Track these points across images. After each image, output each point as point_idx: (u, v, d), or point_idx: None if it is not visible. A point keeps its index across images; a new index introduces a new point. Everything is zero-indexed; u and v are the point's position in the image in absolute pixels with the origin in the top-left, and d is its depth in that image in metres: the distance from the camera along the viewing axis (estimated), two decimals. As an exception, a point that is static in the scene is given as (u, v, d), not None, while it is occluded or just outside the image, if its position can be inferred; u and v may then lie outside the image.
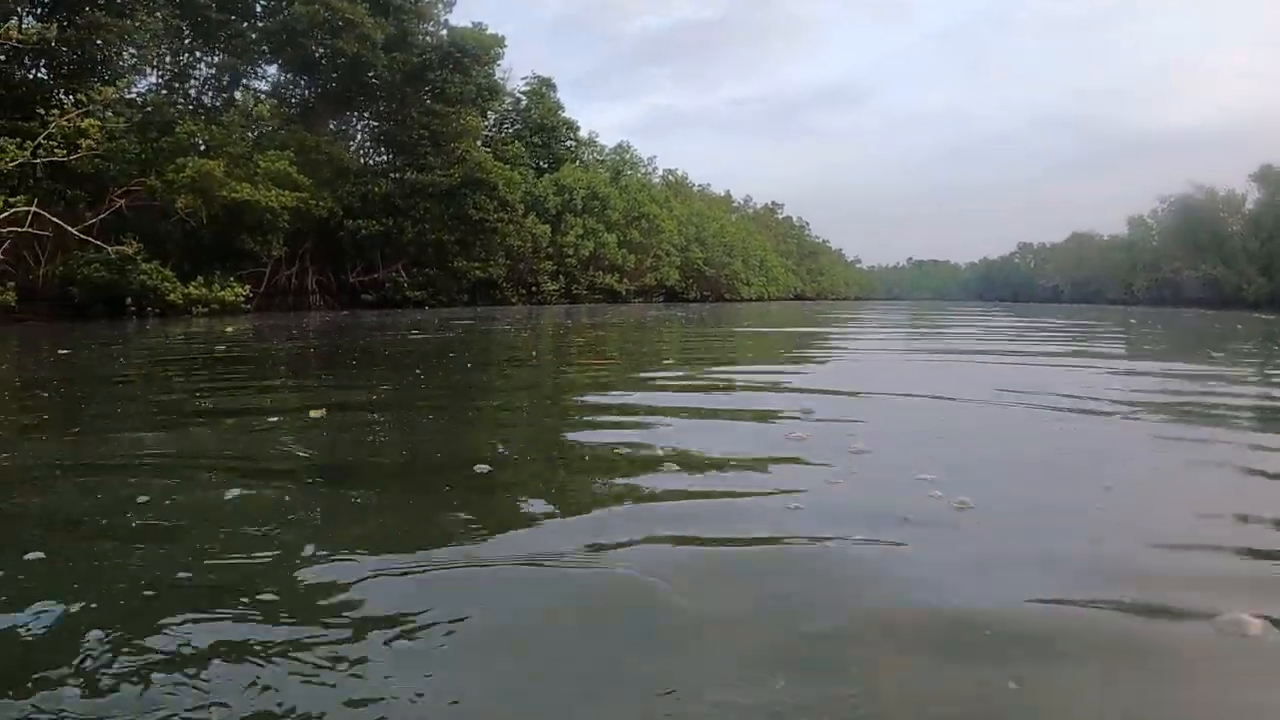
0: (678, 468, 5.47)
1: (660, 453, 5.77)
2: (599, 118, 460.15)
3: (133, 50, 44.82)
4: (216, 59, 55.90)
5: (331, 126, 59.78)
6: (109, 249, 38.88)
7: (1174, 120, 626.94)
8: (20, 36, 35.59)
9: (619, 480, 5.33)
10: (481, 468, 5.37)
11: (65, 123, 35.48)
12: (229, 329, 27.53)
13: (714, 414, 8.34)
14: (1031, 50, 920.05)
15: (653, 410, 8.27)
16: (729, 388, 10.20)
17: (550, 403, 9.75)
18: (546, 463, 5.82)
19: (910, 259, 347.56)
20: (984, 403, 9.05)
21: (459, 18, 64.15)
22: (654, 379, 11.93)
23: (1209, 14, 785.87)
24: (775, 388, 10.53)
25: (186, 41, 53.40)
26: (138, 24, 42.57)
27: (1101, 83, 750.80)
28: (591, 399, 9.64)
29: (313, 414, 6.96)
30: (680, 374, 12.48)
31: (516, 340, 22.19)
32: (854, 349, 18.66)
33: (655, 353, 16.74)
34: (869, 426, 7.26)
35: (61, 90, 42.91)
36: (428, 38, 61.04)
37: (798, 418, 7.57)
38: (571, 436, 6.72)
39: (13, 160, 33.90)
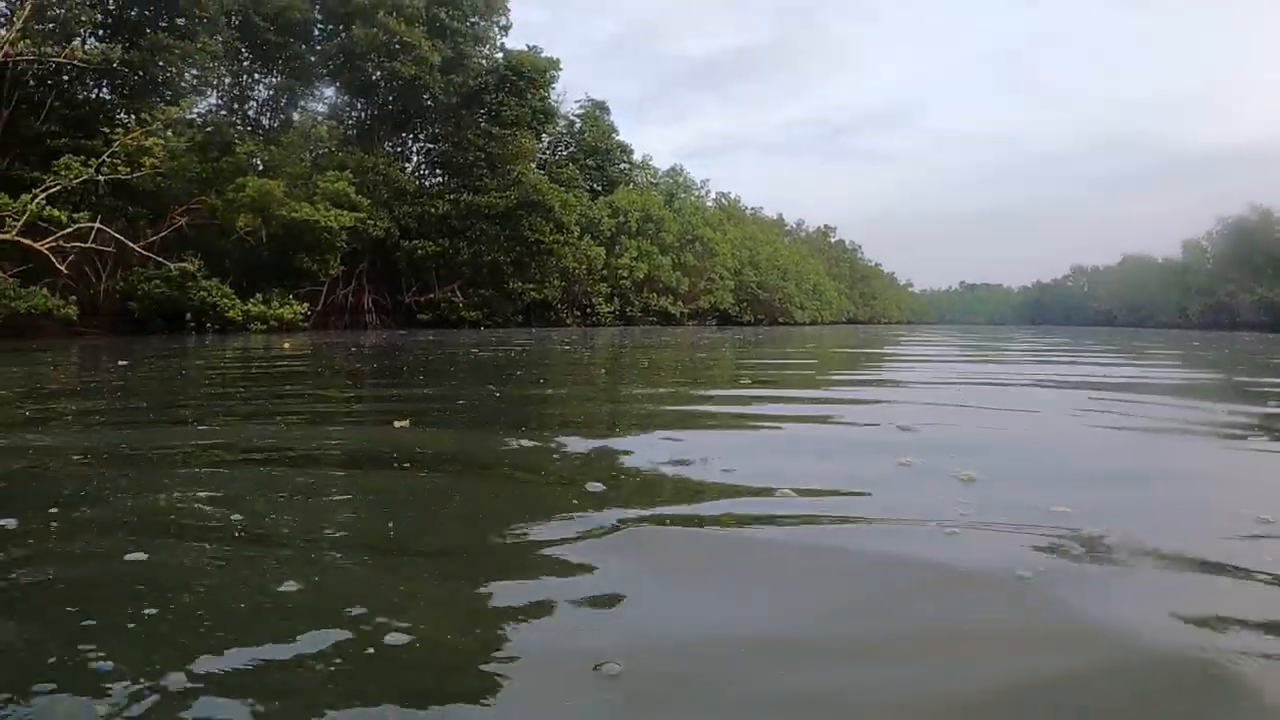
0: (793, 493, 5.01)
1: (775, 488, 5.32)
2: (649, 141, 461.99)
3: (194, 71, 45.45)
4: (274, 80, 56.59)
5: (387, 148, 60.21)
6: (171, 265, 39.46)
7: (1229, 137, 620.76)
8: (85, 57, 36.16)
9: (740, 507, 4.82)
10: (595, 486, 5.21)
11: (129, 141, 35.99)
12: (287, 345, 27.75)
13: (815, 438, 7.77)
14: (1081, 68, 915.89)
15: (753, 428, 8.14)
16: (819, 416, 9.37)
17: (638, 424, 8.98)
18: (646, 486, 5.51)
19: (962, 282, 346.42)
20: (1080, 424, 8.78)
21: (513, 41, 64.42)
22: (737, 399, 11.36)
23: (1263, 28, 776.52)
24: (867, 409, 10.04)
25: (245, 63, 54.15)
26: (200, 46, 43.16)
27: (1153, 99, 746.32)
28: (675, 420, 9.10)
29: (397, 424, 6.96)
30: (761, 395, 11.90)
31: (582, 357, 22.05)
32: (926, 372, 18.00)
33: (731, 375, 16.18)
34: (977, 452, 6.67)
35: (123, 110, 43.67)
36: (484, 61, 61.46)
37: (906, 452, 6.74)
38: (670, 457, 6.37)
39: (77, 177, 34.48)
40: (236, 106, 56.32)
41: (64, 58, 36.05)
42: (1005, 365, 20.06)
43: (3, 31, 35.74)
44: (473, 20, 59.86)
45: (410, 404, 9.13)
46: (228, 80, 53.33)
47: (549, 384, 13.98)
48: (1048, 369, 18.10)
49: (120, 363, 17.70)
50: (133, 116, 41.37)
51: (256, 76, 56.69)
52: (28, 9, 34.42)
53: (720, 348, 30.06)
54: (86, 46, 38.18)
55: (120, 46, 37.96)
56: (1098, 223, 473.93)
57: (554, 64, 63.39)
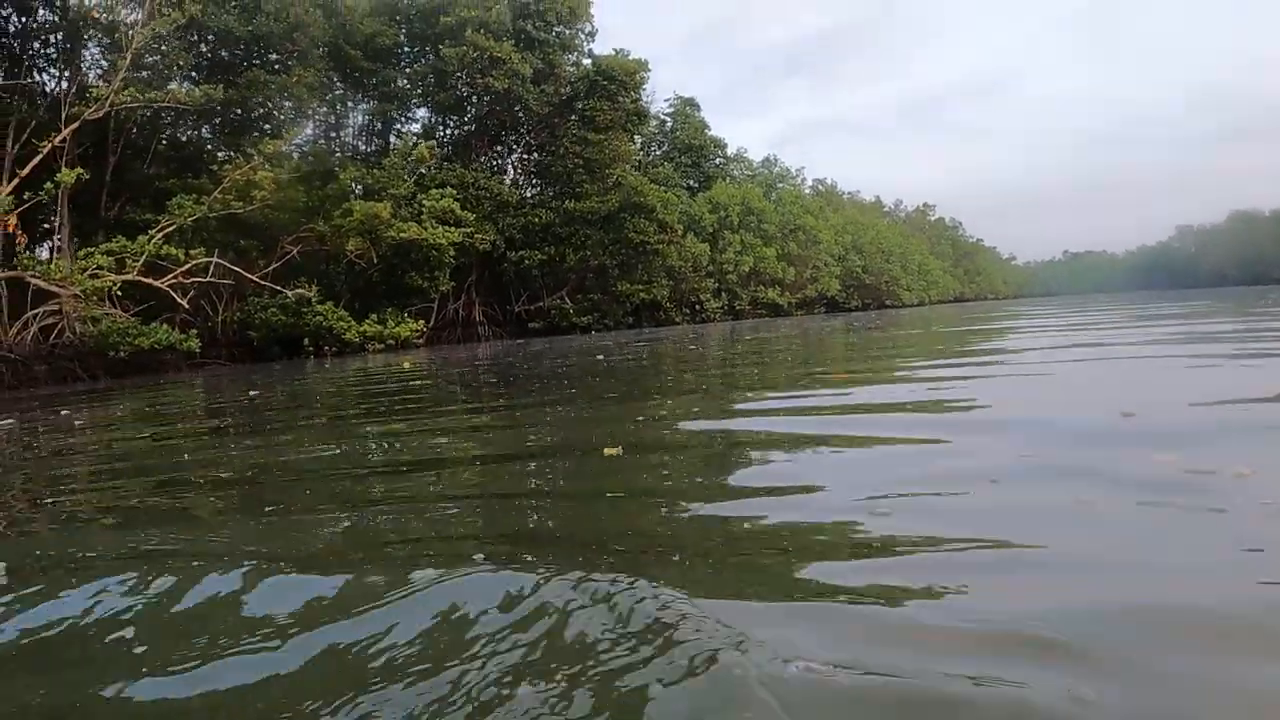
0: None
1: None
2: (740, 133, 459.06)
3: (289, 104, 46.11)
4: (367, 105, 57.30)
5: (483, 162, 60.62)
6: (288, 292, 40.21)
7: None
8: (187, 99, 36.90)
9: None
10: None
11: (239, 176, 36.75)
12: (407, 364, 27.94)
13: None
14: (1175, 22, 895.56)
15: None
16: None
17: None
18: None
19: (1065, 251, 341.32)
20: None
21: (598, 46, 64.64)
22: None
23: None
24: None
25: (339, 92, 54.88)
26: (295, 79, 43.76)
27: (1251, 49, 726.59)
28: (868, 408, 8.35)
29: (608, 452, 6.37)
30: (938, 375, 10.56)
31: (724, 355, 21.70)
32: (1085, 350, 15.00)
33: (887, 365, 14.30)
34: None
35: (224, 147, 44.63)
36: (573, 68, 61.72)
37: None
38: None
39: (191, 215, 35.27)
40: (333, 134, 57.20)
41: (168, 101, 36.75)
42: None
43: (101, 83, 36.56)
44: (558, 30, 60.22)
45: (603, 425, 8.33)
46: (322, 109, 54.04)
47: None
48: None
49: (250, 392, 17.87)
50: (233, 153, 42.35)
51: (349, 104, 57.44)
52: (129, 58, 35.08)
53: (858, 335, 29.70)
54: (185, 89, 38.87)
55: (221, 86, 38.55)
56: (1201, 181, 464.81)
57: (642, 65, 63.39)
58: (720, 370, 14.90)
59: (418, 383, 17.45)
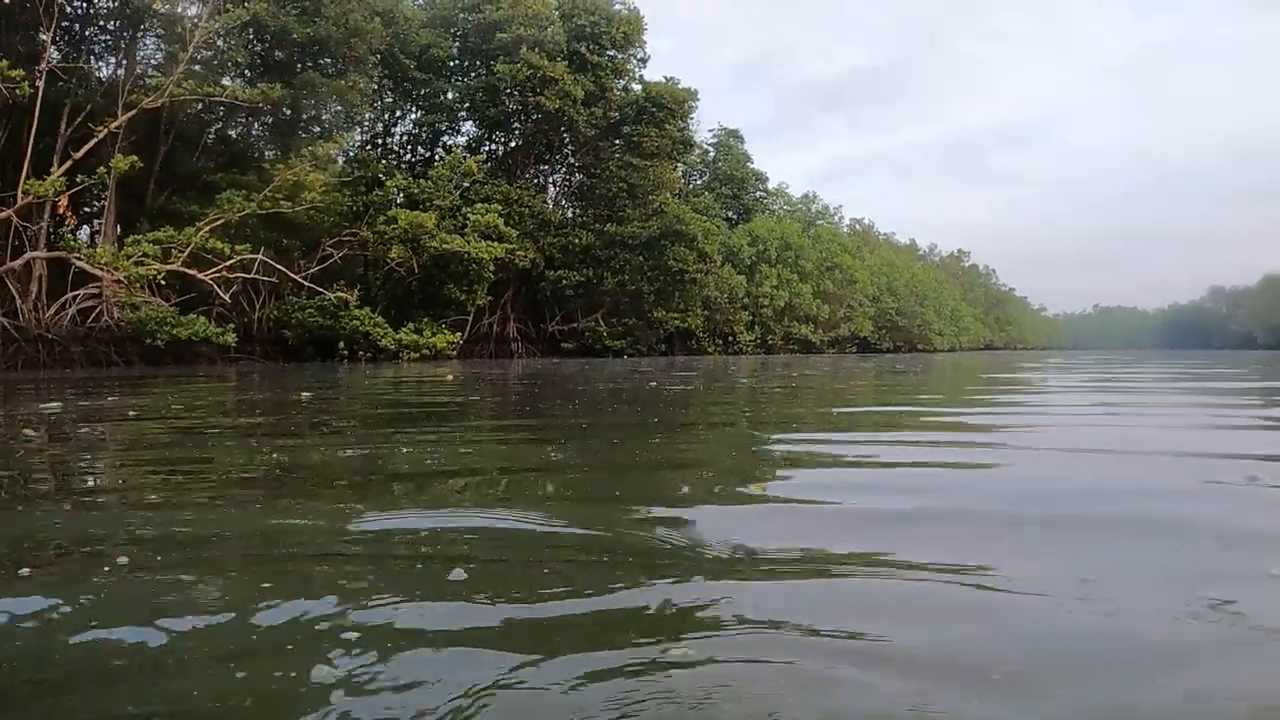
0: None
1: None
2: (779, 166, 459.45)
3: (338, 108, 46.11)
4: (415, 116, 57.42)
5: (526, 179, 60.60)
6: (330, 294, 40.28)
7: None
8: (246, 96, 36.95)
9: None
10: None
11: (290, 176, 36.81)
12: (449, 376, 27.86)
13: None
14: (1219, 78, 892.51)
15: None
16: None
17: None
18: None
19: (1096, 305, 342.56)
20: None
21: (648, 72, 64.54)
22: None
23: None
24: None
25: (389, 100, 54.97)
26: (350, 84, 43.80)
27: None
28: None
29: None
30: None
31: (785, 388, 21.37)
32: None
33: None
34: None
35: (274, 147, 44.73)
36: (622, 93, 61.70)
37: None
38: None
39: (240, 210, 35.31)
40: (380, 142, 57.28)
41: (225, 97, 36.90)
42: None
43: (158, 73, 36.74)
44: (610, 54, 60.15)
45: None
46: (370, 116, 54.11)
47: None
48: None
49: (304, 394, 17.73)
50: (280, 153, 42.54)
51: (398, 113, 57.57)
52: (190, 51, 35.20)
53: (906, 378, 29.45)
54: (239, 85, 38.92)
55: (278, 86, 38.57)
56: (1236, 240, 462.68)
57: (692, 95, 63.34)
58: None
59: (475, 397, 17.32)
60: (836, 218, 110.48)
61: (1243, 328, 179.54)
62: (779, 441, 9.00)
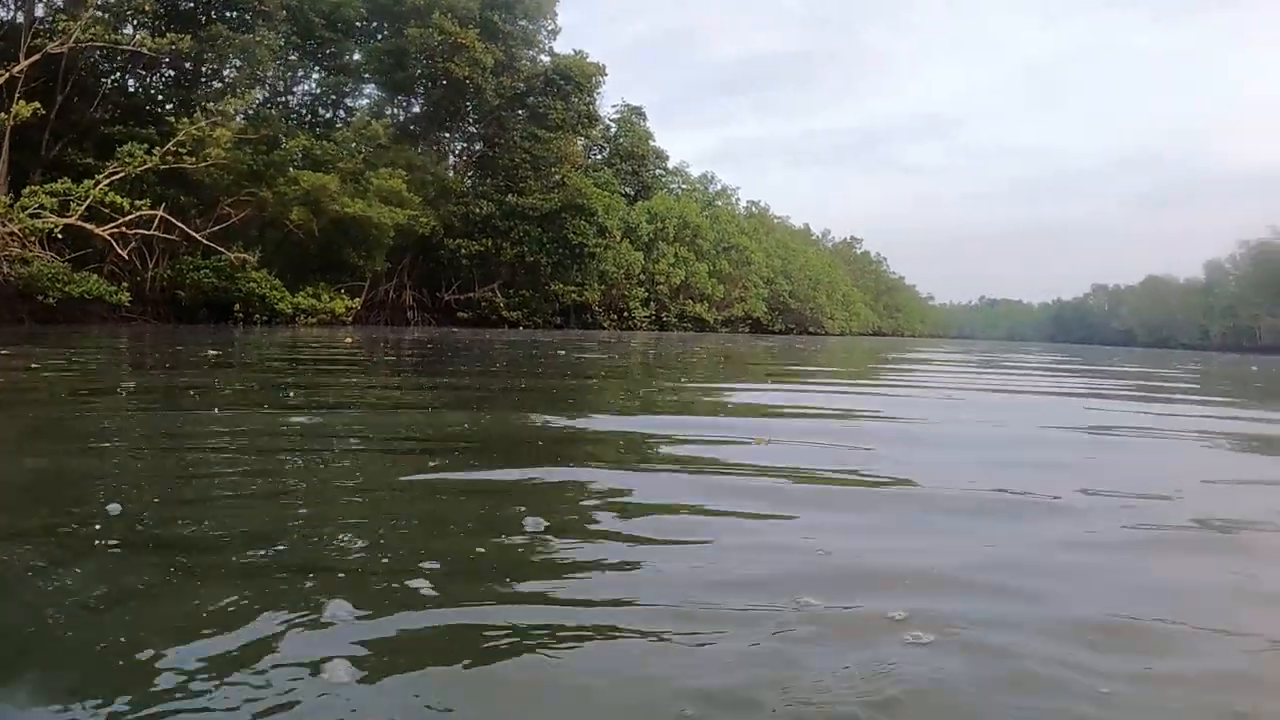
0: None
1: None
2: (675, 145, 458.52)
3: (238, 63, 45.23)
4: (320, 75, 56.56)
5: (427, 146, 60.02)
6: (232, 255, 39.53)
7: (1261, 160, 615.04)
8: (154, 46, 36.12)
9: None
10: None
11: (195, 131, 35.96)
12: (349, 339, 27.62)
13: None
14: (1118, 86, 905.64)
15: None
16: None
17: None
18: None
19: (982, 297, 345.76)
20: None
21: (557, 44, 64.34)
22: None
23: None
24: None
25: (293, 58, 54.02)
26: (258, 39, 43.04)
27: (1187, 119, 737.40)
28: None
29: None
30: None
31: (692, 359, 21.85)
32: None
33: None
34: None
35: (173, 100, 43.80)
36: (531, 64, 61.35)
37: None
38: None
39: (141, 164, 34.44)
40: (281, 101, 56.33)
41: (132, 45, 36.10)
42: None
43: (66, 20, 35.73)
44: (522, 23, 59.85)
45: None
46: (271, 74, 53.17)
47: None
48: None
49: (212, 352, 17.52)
50: (180, 107, 41.63)
51: (301, 73, 56.67)
52: (90, -1, 34.38)
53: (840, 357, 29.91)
54: (143, 35, 38.04)
55: (188, 37, 37.71)
56: (1122, 241, 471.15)
57: (599, 70, 63.21)
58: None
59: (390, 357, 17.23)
60: (734, 199, 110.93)
61: (1124, 325, 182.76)
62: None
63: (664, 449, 6.72)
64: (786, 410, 10.75)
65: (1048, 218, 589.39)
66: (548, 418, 8.27)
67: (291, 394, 10.04)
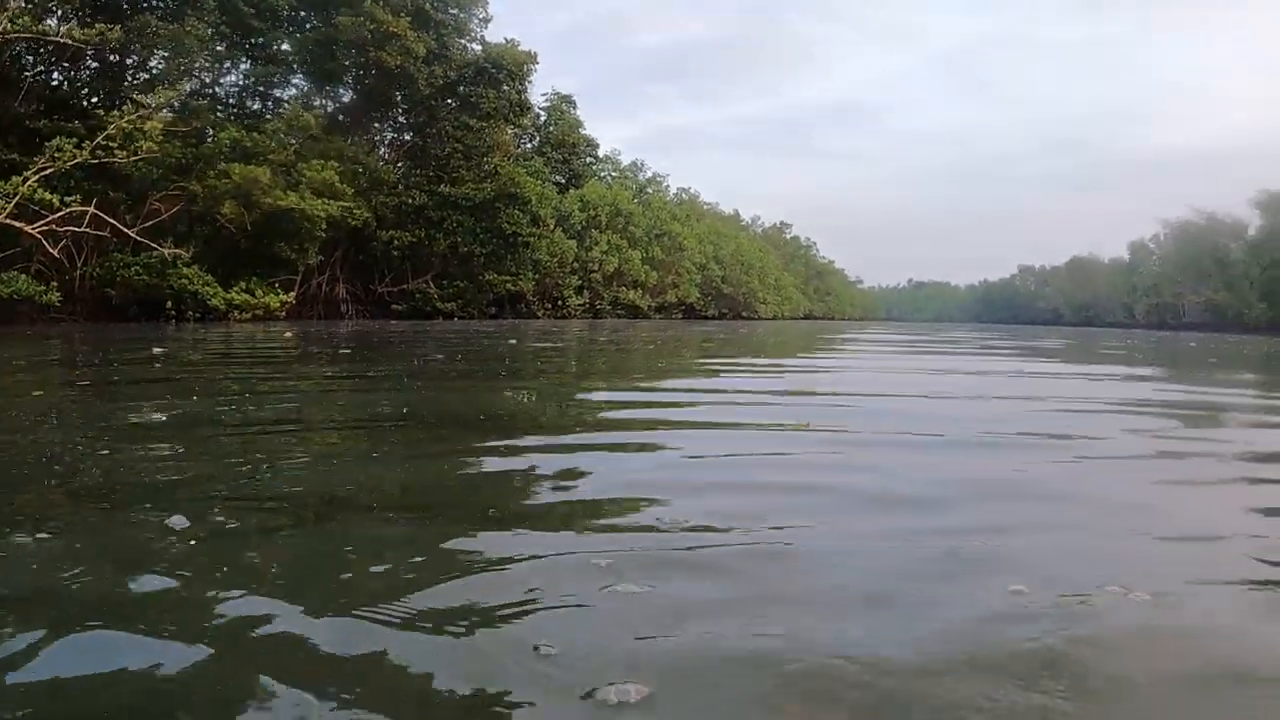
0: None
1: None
2: (604, 133, 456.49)
3: (164, 54, 44.41)
4: (246, 66, 55.70)
5: (357, 137, 59.42)
6: (164, 250, 38.75)
7: (1178, 143, 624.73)
8: (82, 37, 35.26)
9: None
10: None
11: (125, 124, 35.18)
12: (288, 334, 27.31)
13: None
14: (1039, 73, 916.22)
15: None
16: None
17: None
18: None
19: (910, 280, 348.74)
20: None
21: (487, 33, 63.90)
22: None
23: (1214, 39, 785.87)
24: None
25: (220, 48, 53.10)
26: (188, 30, 42.28)
27: (1107, 105, 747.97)
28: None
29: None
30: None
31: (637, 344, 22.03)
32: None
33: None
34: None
35: (101, 93, 42.94)
36: (463, 52, 60.86)
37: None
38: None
39: (70, 159, 33.57)
40: (209, 92, 55.39)
41: (61, 37, 35.26)
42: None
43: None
44: (454, 11, 59.36)
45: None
46: (197, 65, 52.27)
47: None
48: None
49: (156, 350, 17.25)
50: (107, 100, 40.77)
51: (228, 64, 55.74)
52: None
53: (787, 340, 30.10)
54: (73, 26, 37.14)
55: (117, 28, 36.85)
56: (1048, 223, 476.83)
57: (531, 58, 62.75)
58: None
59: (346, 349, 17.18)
60: (664, 186, 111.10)
61: (1050, 305, 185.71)
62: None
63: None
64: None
65: (974, 201, 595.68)
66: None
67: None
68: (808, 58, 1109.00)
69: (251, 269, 45.76)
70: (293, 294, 47.13)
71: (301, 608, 2.96)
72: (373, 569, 3.49)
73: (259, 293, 43.98)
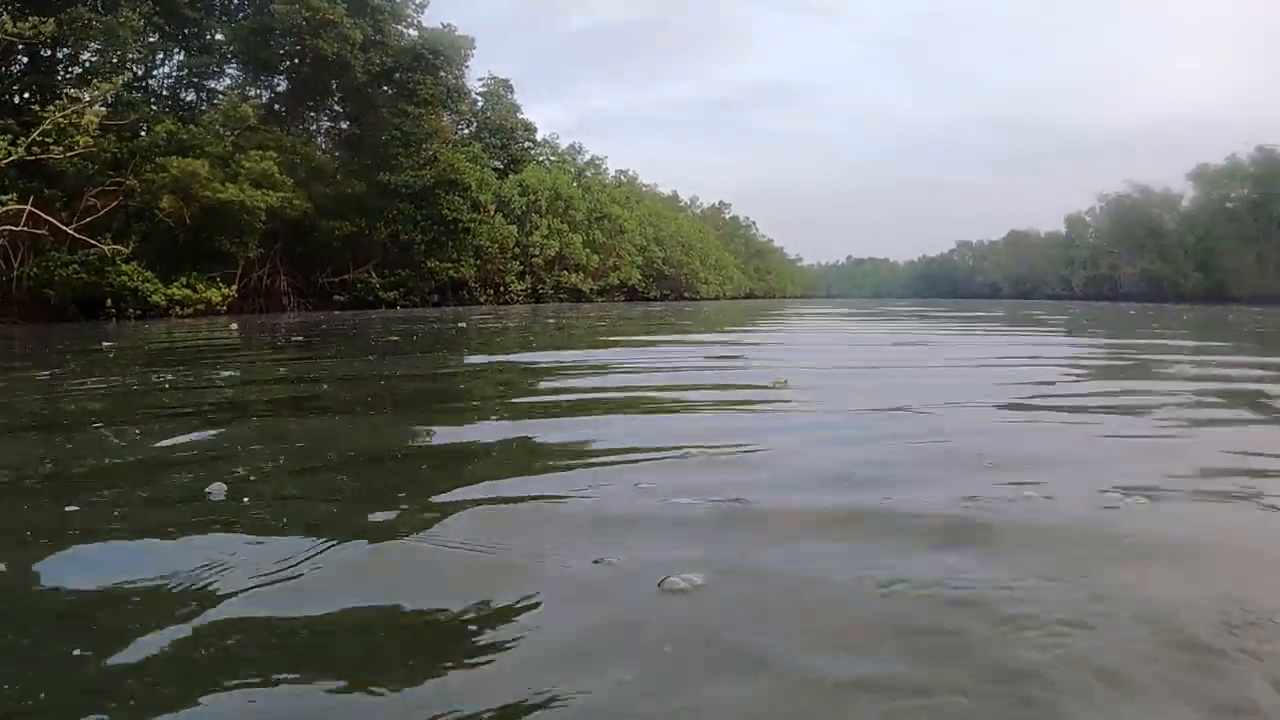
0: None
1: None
2: (539, 117, 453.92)
3: (99, 46, 43.74)
4: (180, 58, 55.01)
5: (294, 126, 58.84)
6: (104, 247, 38.22)
7: (1114, 119, 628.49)
8: (14, 31, 34.68)
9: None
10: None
11: (61, 119, 34.64)
12: (233, 326, 27.13)
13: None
14: (974, 50, 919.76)
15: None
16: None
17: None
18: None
19: (849, 257, 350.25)
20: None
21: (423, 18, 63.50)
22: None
23: (1150, 17, 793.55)
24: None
25: (154, 39, 52.38)
26: (122, 20, 41.67)
27: (1043, 82, 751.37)
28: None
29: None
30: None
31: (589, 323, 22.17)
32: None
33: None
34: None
35: (31, 88, 42.28)
36: (400, 39, 60.36)
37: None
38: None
39: (4, 158, 33.04)
40: (142, 85, 54.66)
41: (-2, 32, 34.68)
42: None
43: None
44: (389, -4, 58.88)
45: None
46: (130, 57, 51.56)
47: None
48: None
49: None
50: (38, 95, 40.16)
51: (162, 55, 55.02)
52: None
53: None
54: (6, 20, 36.50)
55: (51, 21, 36.26)
56: (986, 200, 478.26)
57: (468, 43, 62.46)
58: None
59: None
60: (603, 169, 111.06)
61: (988, 279, 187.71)
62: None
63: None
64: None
65: (912, 179, 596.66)
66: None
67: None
68: (743, 39, 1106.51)
69: (191, 264, 45.17)
70: (234, 288, 46.58)
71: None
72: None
73: (200, 287, 43.49)
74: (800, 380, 9.08)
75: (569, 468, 5.19)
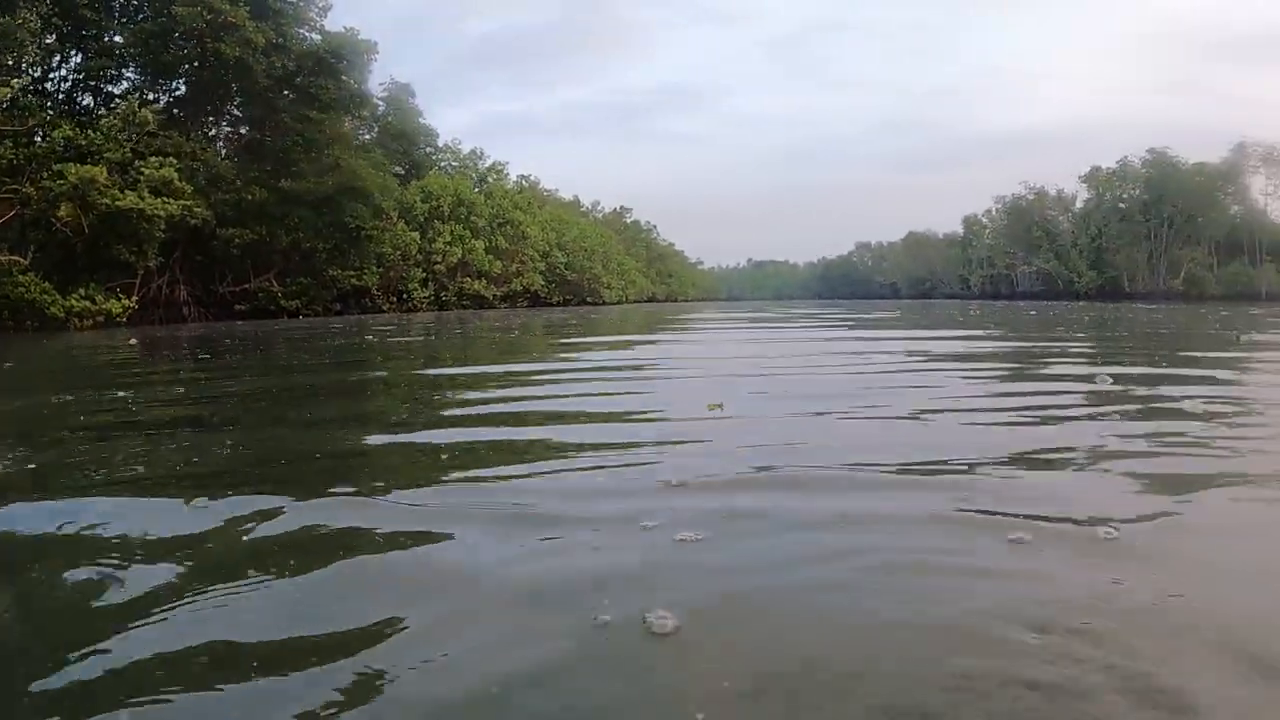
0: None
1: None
2: (439, 122, 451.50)
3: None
4: (77, 60, 53.89)
5: (192, 133, 57.86)
6: (1, 259, 37.31)
7: (1009, 123, 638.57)
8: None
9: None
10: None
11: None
12: (133, 340, 26.59)
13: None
14: (873, 54, 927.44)
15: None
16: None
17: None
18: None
19: (750, 260, 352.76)
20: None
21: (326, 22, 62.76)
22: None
23: (1043, 22, 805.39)
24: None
25: (50, 40, 51.20)
26: (20, 22, 40.72)
27: (938, 86, 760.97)
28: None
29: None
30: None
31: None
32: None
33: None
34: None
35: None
36: (302, 42, 59.53)
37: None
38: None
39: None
40: (38, 88, 53.44)
41: None
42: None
43: None
44: (292, 0, 58.01)
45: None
46: (24, 60, 50.40)
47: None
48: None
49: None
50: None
51: (59, 57, 53.83)
52: None
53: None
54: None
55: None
56: (885, 203, 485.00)
57: (371, 47, 61.76)
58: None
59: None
60: (504, 174, 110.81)
61: (888, 280, 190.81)
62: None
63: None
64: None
65: (811, 182, 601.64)
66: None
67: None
68: (641, 42, 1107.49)
69: (89, 274, 44.23)
70: (134, 299, 45.65)
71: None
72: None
73: (99, 299, 42.59)
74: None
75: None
